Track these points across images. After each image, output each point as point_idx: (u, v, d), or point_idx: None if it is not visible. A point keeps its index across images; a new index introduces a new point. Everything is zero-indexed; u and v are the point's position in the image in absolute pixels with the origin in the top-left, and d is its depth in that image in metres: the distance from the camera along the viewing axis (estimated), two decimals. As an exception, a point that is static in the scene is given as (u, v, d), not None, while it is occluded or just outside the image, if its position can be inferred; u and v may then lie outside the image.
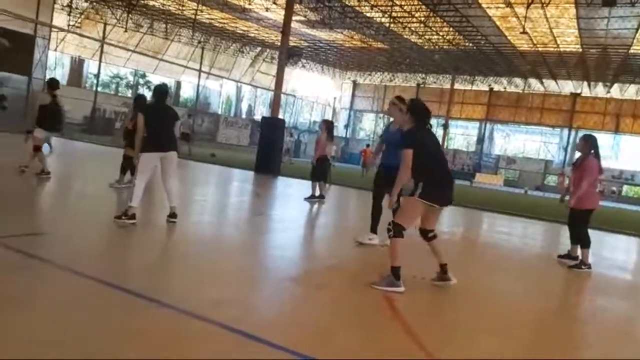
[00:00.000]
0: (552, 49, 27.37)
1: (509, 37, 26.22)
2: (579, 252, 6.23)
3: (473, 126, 43.32)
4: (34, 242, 4.31)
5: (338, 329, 3.17)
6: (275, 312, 3.43)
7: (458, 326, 3.62)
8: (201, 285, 3.79)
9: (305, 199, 9.99)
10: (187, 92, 40.79)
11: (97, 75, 30.94)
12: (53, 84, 8.35)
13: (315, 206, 9.60)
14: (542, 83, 37.62)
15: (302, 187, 13.86)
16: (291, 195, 12.44)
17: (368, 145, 25.17)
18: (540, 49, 27.48)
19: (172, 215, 5.73)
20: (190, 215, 7.05)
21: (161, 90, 5.97)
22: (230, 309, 3.26)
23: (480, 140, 42.21)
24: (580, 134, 42.23)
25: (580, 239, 6.17)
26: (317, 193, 10.13)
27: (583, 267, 6.08)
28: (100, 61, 29.62)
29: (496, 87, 40.68)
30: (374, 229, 5.99)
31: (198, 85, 36.79)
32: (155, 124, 5.63)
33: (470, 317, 3.91)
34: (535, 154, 42.61)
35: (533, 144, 43.12)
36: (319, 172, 10.29)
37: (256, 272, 4.50)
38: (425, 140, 4.29)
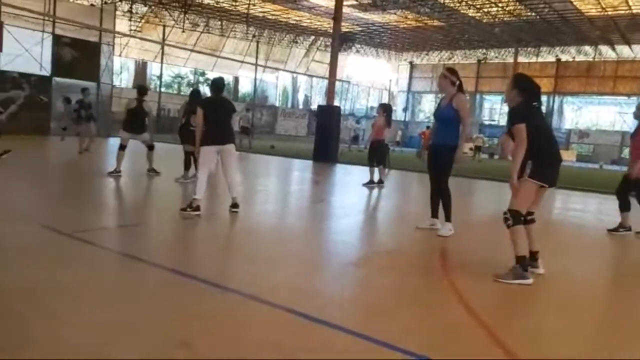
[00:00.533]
0: (623, 12, 25.40)
1: (574, 3, 24.61)
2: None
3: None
4: (104, 235, 4.59)
5: (399, 310, 3.14)
6: (336, 294, 3.45)
7: (524, 306, 3.49)
8: (264, 271, 3.87)
9: (364, 184, 9.92)
10: (245, 86, 41.63)
11: (160, 77, 32.23)
12: (141, 90, 9.12)
13: (375, 191, 9.54)
14: (614, 49, 35.05)
15: (360, 174, 13.81)
16: (350, 181, 12.42)
17: (428, 127, 24.56)
18: (610, 12, 25.59)
19: (234, 205, 5.88)
20: (252, 204, 7.21)
21: (217, 84, 6.04)
22: (291, 293, 3.31)
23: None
24: (661, 100, 39.25)
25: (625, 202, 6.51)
26: (376, 178, 10.02)
27: (621, 229, 6.45)
28: (162, 62, 30.81)
29: (564, 58, 38.40)
30: (434, 214, 5.76)
31: (255, 79, 37.43)
32: (213, 117, 5.74)
33: (538, 296, 3.75)
34: (610, 126, 39.98)
35: (607, 115, 40.47)
36: (377, 157, 10.14)
37: (317, 257, 4.55)
38: (536, 116, 4.06)
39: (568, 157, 36.10)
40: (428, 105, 47.64)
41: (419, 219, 6.04)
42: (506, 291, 3.70)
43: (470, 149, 25.29)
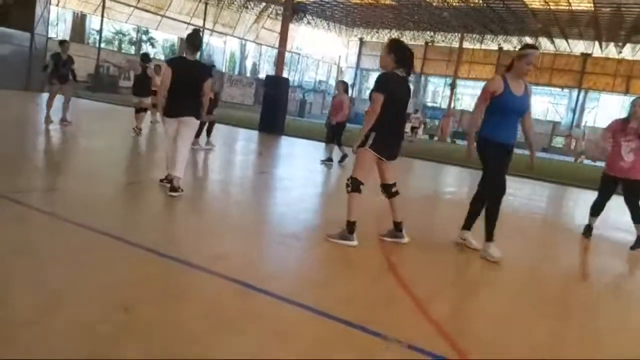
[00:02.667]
0: (564, 7, 26.60)
1: (520, -6, 25.49)
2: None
3: (481, 86, 42.69)
4: (43, 197, 4.42)
5: (336, 281, 3.27)
6: (276, 265, 3.53)
7: (455, 282, 3.73)
8: (205, 240, 3.89)
9: (323, 161, 9.80)
10: (190, 49, 40.20)
11: (100, 31, 30.49)
12: (145, 57, 10.72)
13: (321, 166, 9.64)
14: (553, 43, 36.76)
15: (306, 147, 13.88)
16: (295, 154, 12.47)
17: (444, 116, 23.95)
18: (552, 6, 26.72)
19: (174, 188, 5.07)
20: (194, 173, 7.12)
21: (192, 40, 5.28)
22: (232, 262, 3.36)
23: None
24: (590, 95, 41.76)
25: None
26: (334, 157, 9.91)
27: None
28: (102, 16, 29.09)
29: (506, 47, 39.82)
30: (467, 226, 4.68)
31: (201, 42, 36.28)
32: (181, 82, 5.10)
33: (465, 272, 4.02)
34: (542, 116, 42.15)
35: (541, 104, 42.58)
36: (337, 135, 9.86)
37: (258, 228, 4.60)
38: (395, 89, 4.03)
39: (503, 143, 37.80)
40: (375, 83, 48.10)
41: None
42: (436, 263, 3.92)
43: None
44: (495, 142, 4.17)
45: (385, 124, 3.99)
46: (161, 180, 5.45)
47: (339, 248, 4.19)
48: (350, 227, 4.04)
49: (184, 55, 5.27)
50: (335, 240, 4.06)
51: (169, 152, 5.34)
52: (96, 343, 2.07)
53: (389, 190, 4.26)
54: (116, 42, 35.81)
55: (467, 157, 4.37)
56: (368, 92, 43.24)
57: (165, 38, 38.29)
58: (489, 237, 4.23)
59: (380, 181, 4.32)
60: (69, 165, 6.64)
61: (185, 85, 5.13)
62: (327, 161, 9.79)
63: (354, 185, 4.02)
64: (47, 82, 10.25)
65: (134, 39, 36.50)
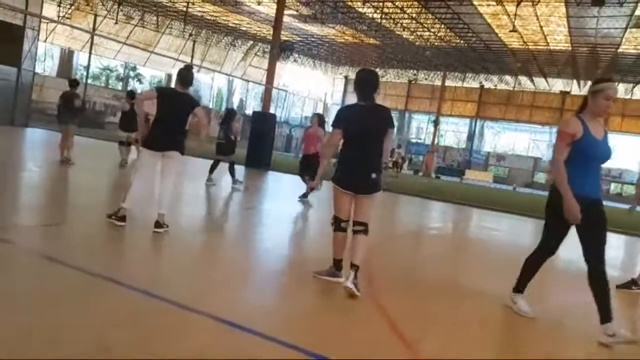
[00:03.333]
0: (542, 47, 27.57)
1: (499, 35, 26.36)
2: None
3: (464, 123, 43.56)
4: (22, 233, 4.34)
5: (321, 319, 3.23)
6: (262, 302, 3.49)
7: (439, 320, 3.71)
8: (189, 278, 3.84)
9: (300, 198, 9.35)
10: (178, 85, 40.56)
11: (87, 67, 30.69)
12: (131, 94, 11.08)
13: (303, 200, 9.65)
14: (532, 81, 37.88)
15: (292, 182, 13.92)
16: (281, 189, 12.49)
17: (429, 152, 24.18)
18: (530, 47, 27.67)
19: (159, 224, 4.98)
20: (180, 208, 7.08)
21: (182, 75, 5.14)
22: (217, 300, 3.32)
23: (471, 137, 42.49)
24: (569, 132, 42.87)
25: None
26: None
27: (634, 287, 5.33)
28: (90, 53, 29.34)
29: (487, 85, 40.90)
30: (519, 287, 4.04)
31: (193, 78, 36.60)
32: (167, 113, 5.01)
33: (450, 311, 4.00)
34: (524, 152, 42.96)
35: (522, 141, 43.47)
36: (310, 171, 9.05)
37: (244, 264, 4.56)
38: (351, 120, 3.87)
39: (485, 177, 38.43)
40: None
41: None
42: (426, 302, 3.91)
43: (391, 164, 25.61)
44: (577, 196, 3.38)
45: (346, 156, 3.93)
46: (109, 216, 4.95)
47: (327, 284, 4.16)
48: (336, 264, 4.03)
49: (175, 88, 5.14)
50: (323, 277, 4.02)
51: (138, 186, 5.00)
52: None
53: (354, 226, 3.92)
54: (103, 78, 36.03)
55: (569, 216, 3.48)
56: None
57: (152, 74, 38.65)
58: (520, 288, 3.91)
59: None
60: (57, 200, 6.57)
61: (174, 117, 5.04)
62: (304, 197, 9.35)
63: (335, 224, 3.96)
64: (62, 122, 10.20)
65: (122, 75, 36.77)
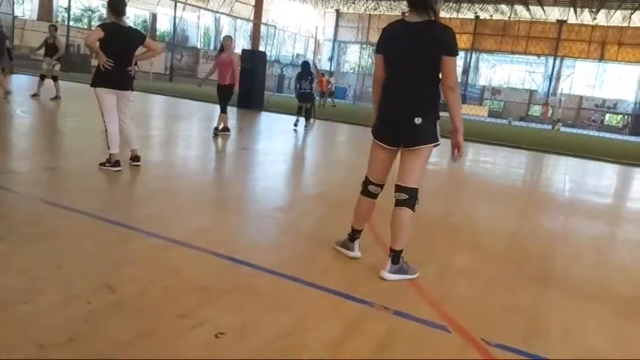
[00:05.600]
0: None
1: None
2: None
3: (459, 56, 42.65)
4: (19, 178, 4.31)
5: (321, 252, 3.28)
6: (261, 238, 3.53)
7: (437, 247, 3.78)
8: (189, 216, 3.85)
9: (215, 133, 8.76)
10: (163, 24, 39.26)
11: (68, 9, 29.45)
12: (51, 28, 11.55)
13: (299, 139, 9.59)
14: (528, 10, 36.84)
15: (286, 121, 13.80)
16: (274, 129, 12.38)
17: (323, 75, 23.90)
18: (528, -27, 26.69)
19: (135, 157, 5.21)
20: (174, 150, 7.04)
21: (113, 3, 4.88)
22: (216, 237, 3.36)
23: (466, 70, 41.81)
24: (566, 62, 42.26)
25: None
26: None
27: None
28: (70, -7, 28.07)
29: (482, 15, 39.77)
30: None
31: (174, 18, 35.33)
32: (113, 50, 4.79)
33: (447, 238, 4.07)
34: (520, 84, 42.49)
35: (518, 73, 42.90)
36: (226, 101, 8.70)
37: (242, 203, 4.58)
38: (389, 43, 2.93)
39: (481, 112, 38.19)
40: (353, 56, 47.76)
41: (339, 165, 6.21)
42: (422, 234, 3.96)
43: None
44: None
45: (383, 95, 2.97)
46: (102, 164, 4.97)
47: (322, 220, 4.21)
48: (352, 233, 3.24)
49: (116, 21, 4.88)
50: (336, 247, 3.33)
51: (113, 128, 4.97)
52: (85, 322, 2.06)
53: (395, 193, 2.94)
54: (85, 20, 34.74)
55: None
56: (346, 65, 42.99)
57: (136, 14, 37.23)
58: None
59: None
60: (44, 145, 6.49)
61: (123, 52, 4.88)
62: (217, 131, 8.71)
63: (362, 185, 3.15)
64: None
65: (104, 15, 35.40)
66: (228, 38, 8.92)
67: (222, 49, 8.60)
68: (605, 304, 3.01)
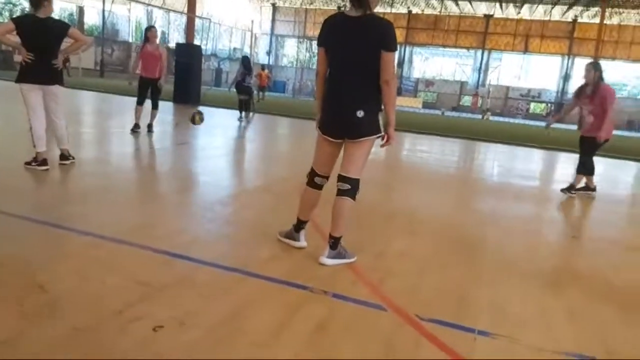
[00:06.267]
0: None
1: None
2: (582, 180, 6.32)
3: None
4: None
5: (262, 243, 3.30)
6: (201, 231, 3.50)
7: (375, 232, 3.90)
8: (125, 213, 3.76)
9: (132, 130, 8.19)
10: (92, 18, 37.46)
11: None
12: None
13: (239, 133, 9.52)
14: (457, 5, 38.25)
15: (224, 115, 13.63)
16: (213, 124, 12.20)
17: (264, 68, 23.86)
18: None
19: (64, 156, 5.05)
20: (109, 146, 6.80)
21: None
22: (154, 232, 3.30)
23: (400, 63, 42.85)
24: (493, 55, 44.30)
25: (586, 166, 6.18)
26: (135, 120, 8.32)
27: (574, 191, 6.22)
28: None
29: (414, 10, 40.88)
30: None
31: (103, 11, 33.82)
32: (32, 44, 4.57)
33: (385, 224, 4.21)
34: (451, 76, 44.09)
35: (449, 66, 44.51)
36: (156, 94, 8.44)
37: (181, 197, 4.51)
38: (329, 35, 2.94)
39: (415, 103, 39.34)
40: (291, 50, 47.71)
41: (280, 158, 6.23)
42: (358, 222, 4.07)
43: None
44: None
45: (327, 88, 3.01)
46: (27, 163, 4.73)
47: (264, 212, 4.23)
48: (298, 224, 3.26)
49: (34, 13, 4.62)
50: (281, 239, 3.34)
51: (38, 125, 4.75)
52: (17, 323, 1.98)
53: (337, 183, 3.00)
54: (7, 13, 32.56)
55: None
56: (284, 59, 42.90)
57: (62, 7, 35.30)
58: None
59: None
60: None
61: (42, 45, 4.62)
62: (136, 129, 8.23)
63: (308, 176, 3.18)
64: None
65: (25, 9, 33.32)
66: (154, 29, 8.58)
67: (146, 40, 8.25)
68: (531, 278, 3.23)
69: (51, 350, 1.82)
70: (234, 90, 13.09)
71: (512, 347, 2.26)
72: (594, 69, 5.91)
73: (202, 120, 8.60)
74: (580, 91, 6.16)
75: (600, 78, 5.89)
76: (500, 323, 2.49)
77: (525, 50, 39.82)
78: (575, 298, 2.96)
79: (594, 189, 6.31)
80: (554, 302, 2.87)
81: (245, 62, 12.81)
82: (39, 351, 1.81)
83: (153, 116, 8.50)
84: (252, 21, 41.75)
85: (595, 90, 5.85)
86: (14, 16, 5.05)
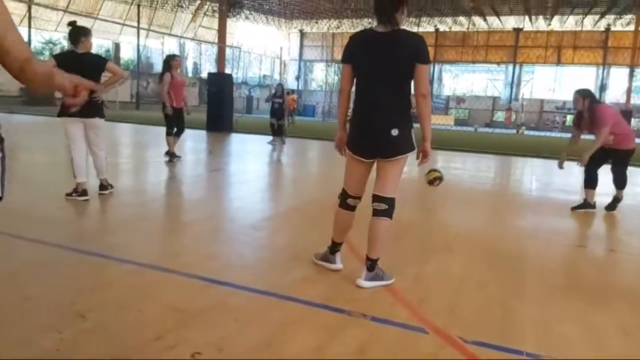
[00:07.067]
0: (493, -15, 27.52)
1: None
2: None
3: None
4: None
5: (295, 266, 3.27)
6: (234, 256, 3.51)
7: (412, 251, 3.82)
8: (161, 240, 3.81)
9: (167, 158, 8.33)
10: (127, 53, 38.96)
11: (29, 42, 29.00)
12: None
13: (271, 159, 9.60)
14: (485, 20, 37.99)
15: (256, 142, 13.81)
16: (245, 150, 12.36)
17: (289, 93, 24.04)
18: (482, -15, 27.58)
19: (104, 186, 5.17)
20: (145, 175, 6.96)
21: (70, 33, 4.83)
22: (189, 258, 3.31)
23: (430, 81, 42.55)
24: (525, 68, 43.53)
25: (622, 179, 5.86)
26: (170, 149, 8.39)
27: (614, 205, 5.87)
28: (29, 26, 27.71)
29: (442, 28, 40.82)
30: None
31: (138, 45, 35.13)
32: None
33: (421, 242, 4.12)
34: (482, 92, 43.58)
35: (480, 82, 44.02)
36: (181, 123, 8.48)
37: (215, 223, 4.55)
38: (358, 52, 2.89)
39: (447, 121, 38.95)
40: (320, 74, 48.28)
41: (311, 181, 6.23)
42: (393, 242, 4.00)
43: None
44: None
45: (355, 106, 2.96)
46: (68, 194, 4.87)
47: (298, 234, 4.21)
48: (333, 246, 3.21)
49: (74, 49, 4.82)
50: (316, 261, 3.30)
51: (79, 157, 4.89)
52: (57, 352, 2.00)
53: (372, 203, 2.96)
54: (47, 53, 34.22)
55: None
56: (313, 83, 43.17)
57: (99, 44, 36.86)
58: None
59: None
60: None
61: None
62: (169, 156, 8.36)
63: (340, 198, 3.11)
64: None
65: (66, 48, 34.97)
66: (178, 57, 8.46)
67: (168, 69, 8.01)
68: (575, 293, 3.08)
69: (91, 379, 1.83)
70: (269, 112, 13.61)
71: (563, 370, 2.14)
72: (581, 96, 5.63)
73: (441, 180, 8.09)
74: (578, 120, 5.85)
75: (592, 102, 5.59)
76: (548, 343, 2.37)
77: (558, 62, 39.05)
78: (625, 314, 2.80)
79: (593, 205, 5.88)
80: (603, 318, 2.72)
81: (278, 87, 13.70)
82: (79, 379, 1.82)
83: (176, 143, 8.49)
84: (281, 48, 42.58)
85: (592, 116, 5.54)
86: (54, 54, 5.24)
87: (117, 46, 37.48)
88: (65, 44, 34.71)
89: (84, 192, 4.88)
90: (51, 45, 34.60)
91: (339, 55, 43.13)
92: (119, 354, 2.01)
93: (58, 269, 2.98)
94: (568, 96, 34.57)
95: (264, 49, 45.73)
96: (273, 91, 13.86)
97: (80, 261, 3.16)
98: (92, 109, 4.82)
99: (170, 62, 8.07)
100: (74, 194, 4.88)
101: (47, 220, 4.15)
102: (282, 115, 13.35)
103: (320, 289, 2.89)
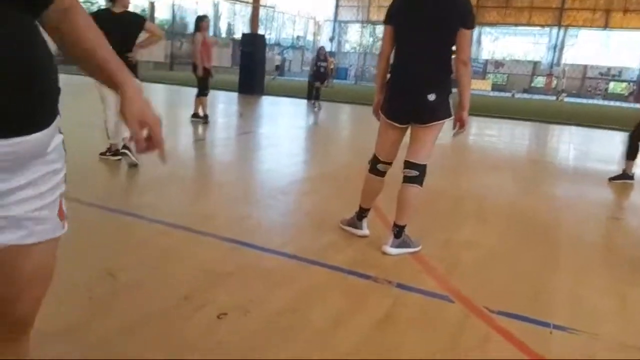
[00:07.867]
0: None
1: None
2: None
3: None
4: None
5: (323, 231, 3.28)
6: (263, 219, 3.54)
7: (441, 219, 3.77)
8: (191, 202, 3.88)
9: (191, 118, 8.48)
10: (162, 13, 38.96)
11: None
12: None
13: (302, 121, 9.56)
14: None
15: (288, 105, 13.75)
16: (276, 113, 12.34)
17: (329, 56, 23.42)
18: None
19: (126, 146, 4.79)
20: (177, 136, 7.04)
21: None
22: (219, 220, 3.37)
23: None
24: (569, 32, 41.48)
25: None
26: (202, 112, 8.42)
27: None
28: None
29: (483, -12, 39.10)
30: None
31: (173, 5, 35.03)
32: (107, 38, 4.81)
33: (451, 210, 4.06)
34: (523, 56, 41.93)
35: (522, 45, 42.26)
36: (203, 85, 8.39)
37: (245, 186, 4.59)
38: (402, 13, 2.80)
39: (484, 86, 37.80)
40: (354, 36, 47.24)
41: (342, 145, 6.19)
42: (423, 209, 3.95)
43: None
44: None
45: (393, 69, 2.86)
46: (102, 154, 4.95)
47: (326, 199, 4.21)
48: (360, 212, 3.18)
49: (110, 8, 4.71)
50: (343, 226, 3.28)
51: (110, 120, 4.86)
52: (86, 310, 2.08)
53: (403, 169, 2.90)
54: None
55: None
56: (347, 45, 42.46)
57: (135, 4, 36.95)
58: None
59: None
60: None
61: (115, 40, 4.65)
62: (195, 117, 8.46)
63: (370, 163, 3.06)
64: None
65: (101, 6, 35.18)
66: (207, 18, 8.50)
67: (199, 29, 8.10)
68: (610, 268, 3.00)
69: (119, 336, 1.89)
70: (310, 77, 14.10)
71: (591, 343, 2.10)
72: None
73: None
74: None
75: None
76: (578, 317, 2.32)
77: (606, 26, 37.05)
78: (665, 293, 2.71)
79: (632, 177, 5.68)
80: (637, 294, 2.65)
81: (321, 50, 13.96)
82: (107, 336, 1.88)
83: (205, 104, 8.48)
84: (316, 9, 41.79)
85: None
86: (92, 11, 5.20)
87: (152, 5, 37.44)
88: (101, 1, 34.92)
89: (117, 152, 4.96)
90: (89, 4, 34.89)
91: (375, 16, 42.09)
92: (148, 314, 2.07)
93: (89, 227, 3.07)
94: (614, 62, 32.96)
95: (298, 10, 44.94)
96: (315, 54, 14.16)
97: (112, 220, 3.25)
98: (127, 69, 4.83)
99: (200, 23, 8.19)
100: (107, 153, 4.98)
101: (81, 179, 4.26)
102: (325, 79, 13.60)
103: (347, 255, 2.89)
